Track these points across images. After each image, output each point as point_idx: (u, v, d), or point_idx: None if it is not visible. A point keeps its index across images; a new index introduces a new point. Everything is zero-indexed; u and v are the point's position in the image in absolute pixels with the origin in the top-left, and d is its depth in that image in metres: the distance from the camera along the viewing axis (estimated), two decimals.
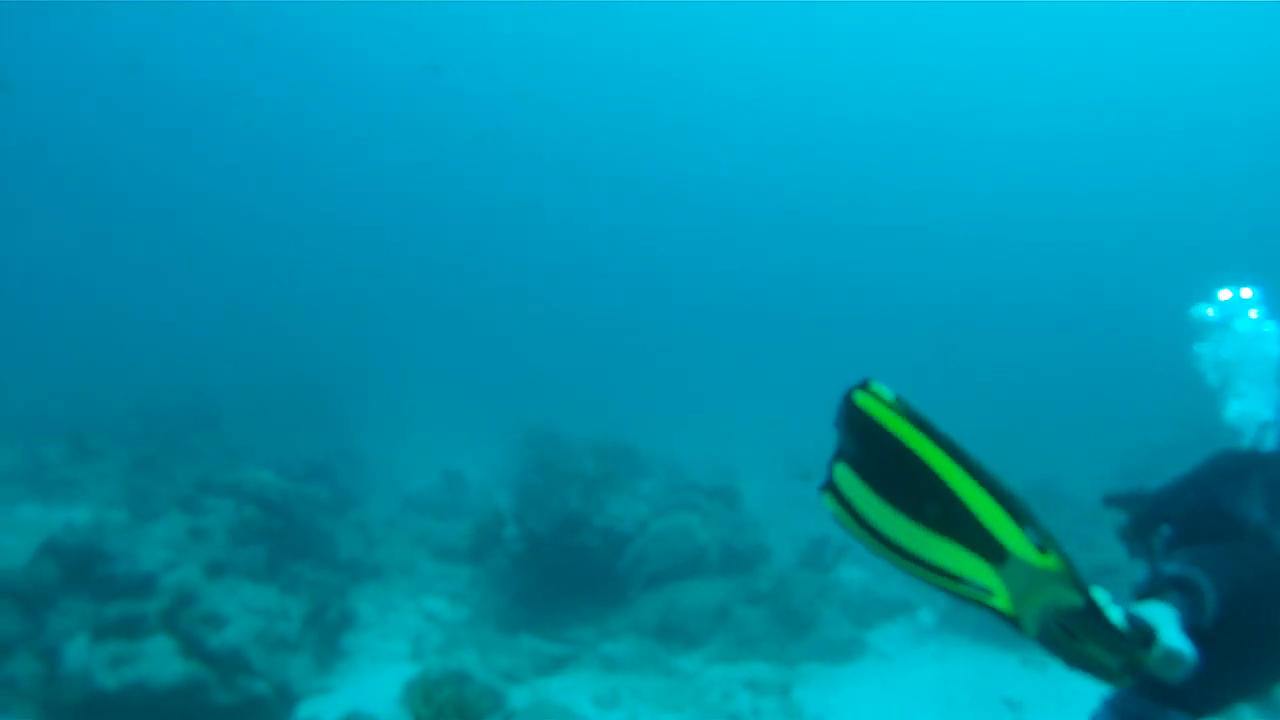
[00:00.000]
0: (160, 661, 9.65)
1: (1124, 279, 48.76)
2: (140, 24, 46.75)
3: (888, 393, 2.74)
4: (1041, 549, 2.61)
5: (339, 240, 55.73)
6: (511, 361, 33.91)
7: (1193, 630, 2.90)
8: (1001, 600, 2.63)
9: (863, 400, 2.69)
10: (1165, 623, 2.83)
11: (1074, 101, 52.86)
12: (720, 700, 10.02)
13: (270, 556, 12.34)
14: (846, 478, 2.72)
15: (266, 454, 18.64)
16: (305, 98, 55.97)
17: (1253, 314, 5.42)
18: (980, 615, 10.05)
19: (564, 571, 11.90)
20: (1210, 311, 5.54)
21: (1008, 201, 57.27)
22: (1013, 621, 2.63)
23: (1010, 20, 49.28)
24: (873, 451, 2.71)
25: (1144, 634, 2.73)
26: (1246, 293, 5.52)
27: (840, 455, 2.77)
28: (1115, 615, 2.59)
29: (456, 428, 25.38)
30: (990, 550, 2.63)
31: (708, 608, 11.46)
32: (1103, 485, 15.40)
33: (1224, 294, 5.52)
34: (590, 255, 58.47)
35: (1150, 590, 3.14)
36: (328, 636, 11.24)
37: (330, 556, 14.10)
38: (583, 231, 60.13)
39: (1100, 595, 2.58)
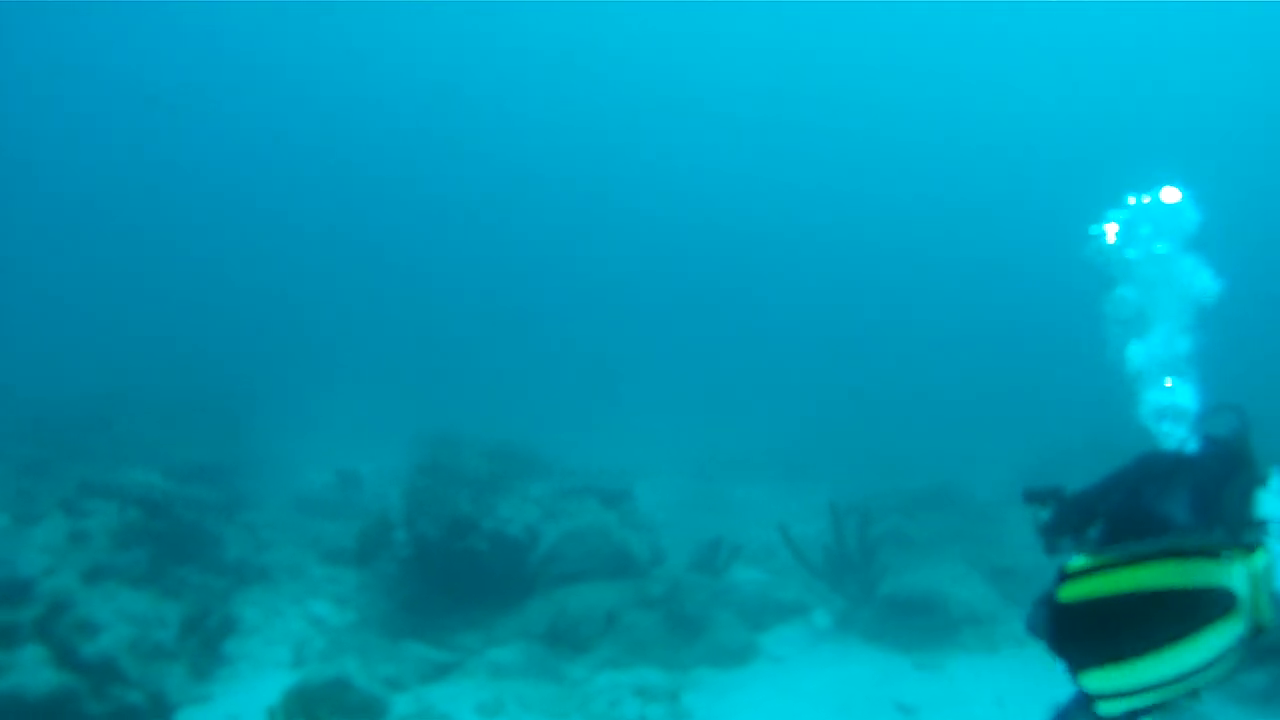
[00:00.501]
0: (32, 671, 9.35)
1: (1025, 279, 49.64)
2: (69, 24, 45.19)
3: (1081, 560, 3.26)
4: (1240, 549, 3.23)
5: (249, 240, 54.45)
6: (422, 362, 33.46)
7: None
8: (1265, 616, 3.21)
9: (1073, 591, 3.17)
10: None
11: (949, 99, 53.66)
12: (607, 707, 9.96)
13: (153, 560, 12.04)
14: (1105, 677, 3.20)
15: (158, 456, 18.26)
16: (217, 90, 54.42)
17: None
18: (873, 614, 9.99)
19: (453, 576, 11.77)
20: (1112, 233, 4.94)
21: (896, 200, 57.89)
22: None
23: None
24: (1106, 632, 3.19)
25: None
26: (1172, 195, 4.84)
27: (1082, 665, 3.22)
28: None
29: (361, 428, 25.09)
30: (1225, 603, 3.18)
31: (598, 612, 11.39)
32: (1000, 487, 15.58)
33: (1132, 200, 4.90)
34: (504, 256, 57.95)
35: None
36: (208, 643, 10.96)
37: (216, 560, 13.82)
38: (496, 232, 59.61)
39: None
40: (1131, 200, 4.91)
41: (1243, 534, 3.72)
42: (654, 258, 57.30)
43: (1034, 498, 4.59)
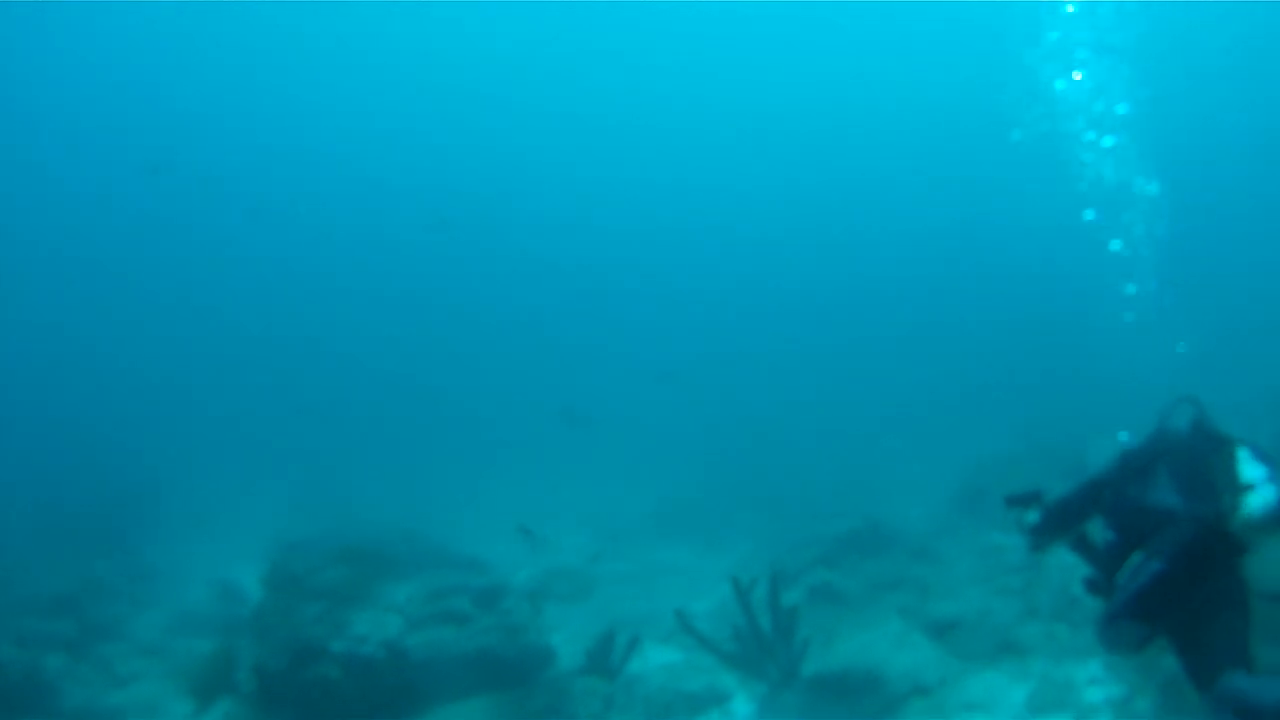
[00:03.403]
0: None
1: (941, 285, 48.30)
2: None
3: None
4: None
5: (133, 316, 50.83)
6: (316, 442, 31.30)
7: None
8: None
9: None
10: None
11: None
12: None
13: None
14: None
15: (10, 588, 16.48)
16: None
17: None
18: (800, 699, 8.11)
19: (304, 709, 10.01)
20: None
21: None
22: None
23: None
24: None
25: None
26: None
27: None
28: None
29: (258, 523, 23.14)
30: None
31: None
32: (935, 511, 13.89)
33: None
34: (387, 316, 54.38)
35: None
36: None
37: (53, 710, 12.03)
38: (375, 290, 55.84)
39: None
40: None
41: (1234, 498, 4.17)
42: (546, 295, 54.35)
43: (1016, 502, 5.07)
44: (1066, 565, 13.44)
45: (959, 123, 49.46)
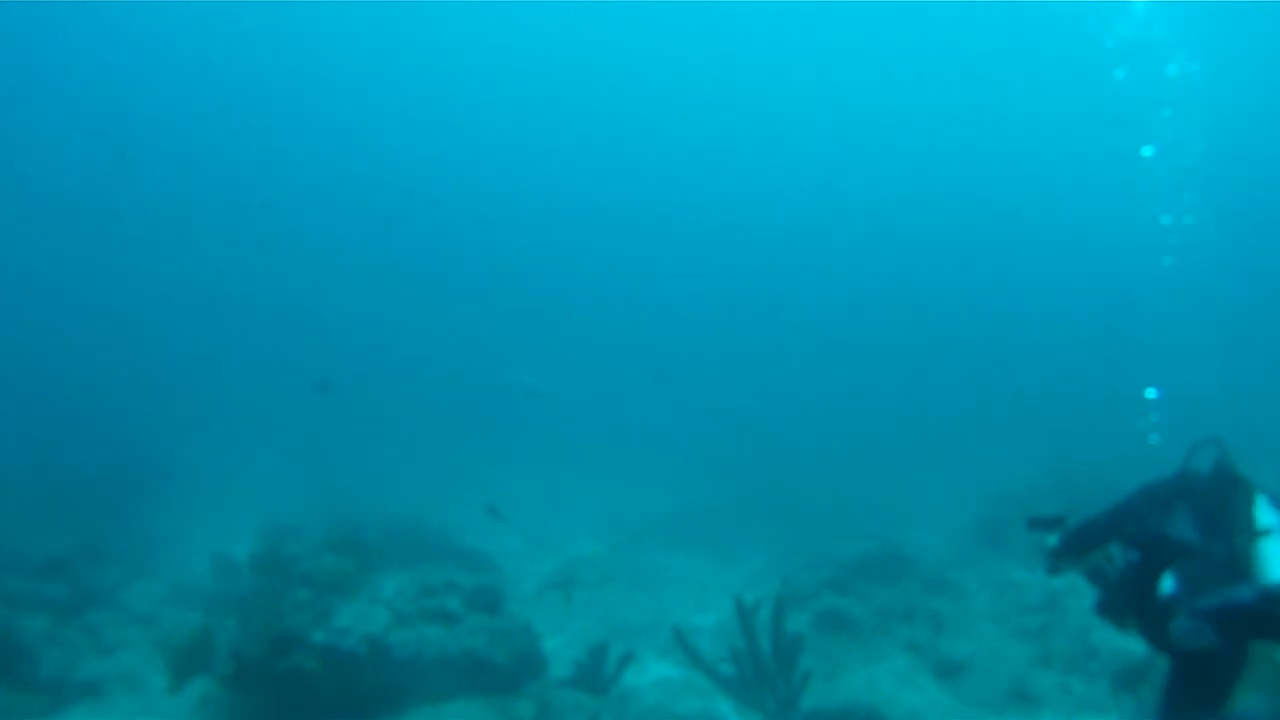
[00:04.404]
0: None
1: (969, 310, 47.42)
2: None
3: None
4: None
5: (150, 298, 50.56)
6: (326, 420, 30.73)
7: None
8: None
9: None
10: None
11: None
12: None
13: None
14: None
15: (5, 548, 16.18)
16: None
17: None
18: None
19: (278, 699, 9.62)
20: None
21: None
22: None
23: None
24: None
25: None
26: None
27: None
28: None
29: (271, 500, 22.81)
30: None
31: None
32: (956, 538, 13.42)
33: None
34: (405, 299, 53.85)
35: None
36: None
37: (27, 676, 11.70)
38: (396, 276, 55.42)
39: None
40: None
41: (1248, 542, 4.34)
42: (568, 291, 53.59)
43: (1038, 525, 5.15)
44: (1087, 610, 12.91)
45: (997, 137, 48.83)
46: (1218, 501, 4.62)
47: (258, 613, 10.15)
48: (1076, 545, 5.00)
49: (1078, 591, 12.55)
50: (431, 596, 10.43)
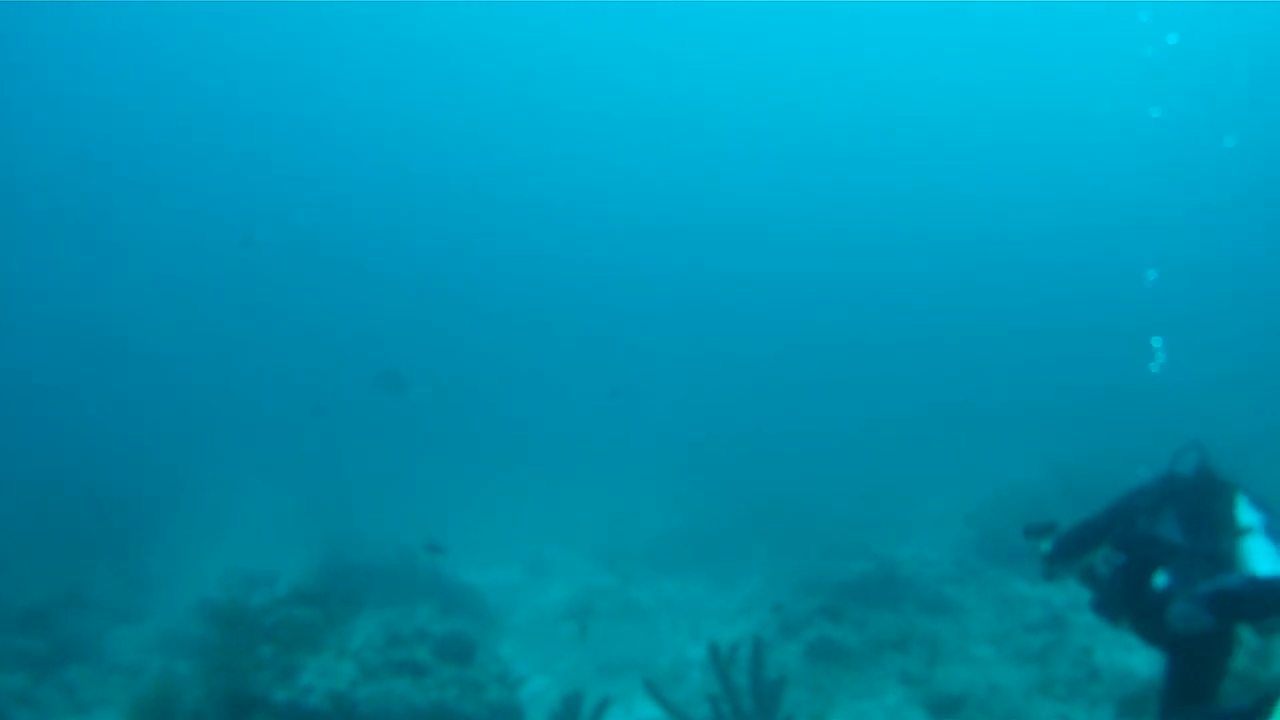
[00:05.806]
0: None
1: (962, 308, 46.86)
2: None
3: None
4: None
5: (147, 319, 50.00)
6: (322, 449, 30.30)
7: None
8: None
9: None
10: None
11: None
12: None
13: None
14: None
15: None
16: None
17: None
18: None
19: None
20: None
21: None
22: None
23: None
24: None
25: None
26: None
27: None
28: None
29: (267, 534, 22.45)
30: None
31: None
32: (952, 561, 12.88)
33: None
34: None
35: None
36: None
37: None
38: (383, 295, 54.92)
39: None
40: None
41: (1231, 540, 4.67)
42: (556, 305, 53.15)
43: (1033, 532, 5.40)
44: (1090, 626, 12.44)
45: (1002, 136, 48.40)
46: (1201, 503, 4.91)
47: (218, 671, 9.79)
48: (1069, 550, 5.29)
49: (1080, 606, 12.12)
50: (401, 647, 10.06)
